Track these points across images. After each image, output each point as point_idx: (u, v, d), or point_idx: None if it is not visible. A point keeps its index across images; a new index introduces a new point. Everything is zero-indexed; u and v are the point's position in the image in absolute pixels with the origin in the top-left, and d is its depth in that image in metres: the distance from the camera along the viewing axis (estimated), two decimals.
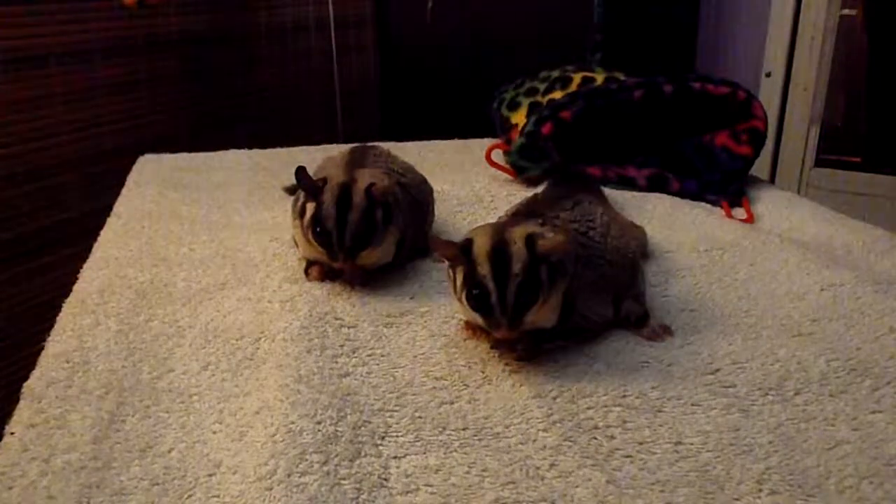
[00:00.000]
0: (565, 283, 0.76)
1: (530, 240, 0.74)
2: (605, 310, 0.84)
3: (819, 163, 2.24)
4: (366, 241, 0.90)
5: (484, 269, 0.73)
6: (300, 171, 0.91)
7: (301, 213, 0.93)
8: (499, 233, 0.75)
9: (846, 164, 2.23)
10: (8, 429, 0.69)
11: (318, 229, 0.90)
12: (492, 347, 0.80)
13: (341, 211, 0.89)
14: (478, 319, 0.76)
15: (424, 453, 0.65)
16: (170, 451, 0.66)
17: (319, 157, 1.13)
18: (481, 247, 0.74)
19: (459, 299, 0.76)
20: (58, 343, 0.83)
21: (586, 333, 0.82)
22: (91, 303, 0.92)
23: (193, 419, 0.71)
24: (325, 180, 0.92)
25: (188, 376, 0.78)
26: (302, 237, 0.94)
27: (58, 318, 0.89)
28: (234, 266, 1.03)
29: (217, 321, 0.88)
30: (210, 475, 0.63)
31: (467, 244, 0.76)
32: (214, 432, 0.69)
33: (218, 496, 0.61)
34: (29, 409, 0.72)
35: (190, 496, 0.61)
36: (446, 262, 0.79)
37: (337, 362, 0.79)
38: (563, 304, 0.77)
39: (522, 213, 0.86)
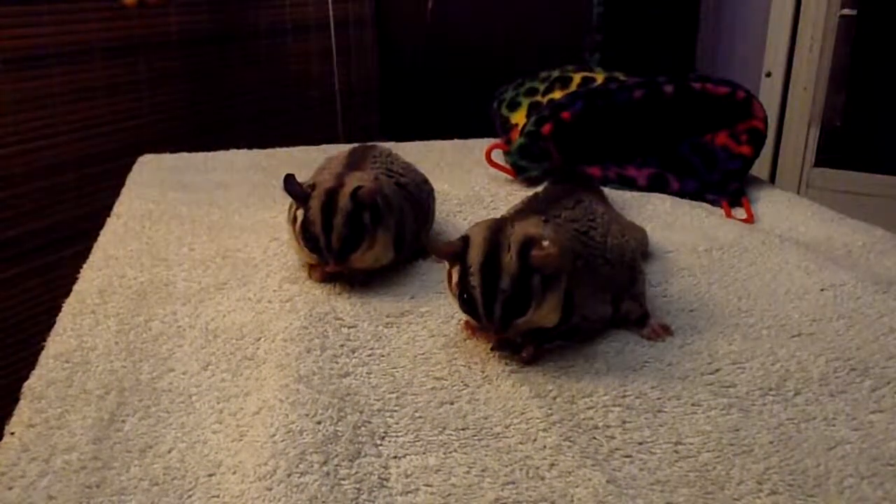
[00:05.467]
0: (562, 285, 0.76)
1: (525, 248, 0.74)
2: (605, 309, 0.84)
3: (819, 163, 2.24)
4: (354, 243, 0.91)
5: (475, 279, 0.74)
6: (288, 179, 0.92)
7: (294, 220, 0.93)
8: (495, 235, 0.75)
9: (846, 164, 2.23)
10: (8, 429, 0.69)
11: (306, 235, 0.91)
12: (492, 349, 0.80)
13: (327, 216, 0.89)
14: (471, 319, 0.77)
15: (424, 453, 0.65)
16: (170, 451, 0.66)
17: (320, 157, 1.13)
18: (474, 254, 0.75)
19: (455, 298, 0.77)
20: (58, 343, 0.83)
21: (586, 333, 0.82)
22: (91, 303, 0.92)
23: (193, 419, 0.71)
24: (313, 186, 0.92)
25: (188, 376, 0.78)
26: (295, 243, 0.95)
27: (58, 318, 0.89)
28: (234, 266, 1.03)
29: (217, 321, 0.88)
30: (210, 475, 0.63)
31: (462, 248, 0.76)
32: (214, 432, 0.69)
33: (218, 496, 0.61)
34: (29, 409, 0.72)
35: (190, 496, 0.61)
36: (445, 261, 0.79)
37: (337, 362, 0.79)
38: (563, 304, 0.77)
39: (524, 211, 0.86)
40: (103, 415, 0.71)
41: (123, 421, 0.70)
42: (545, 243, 0.74)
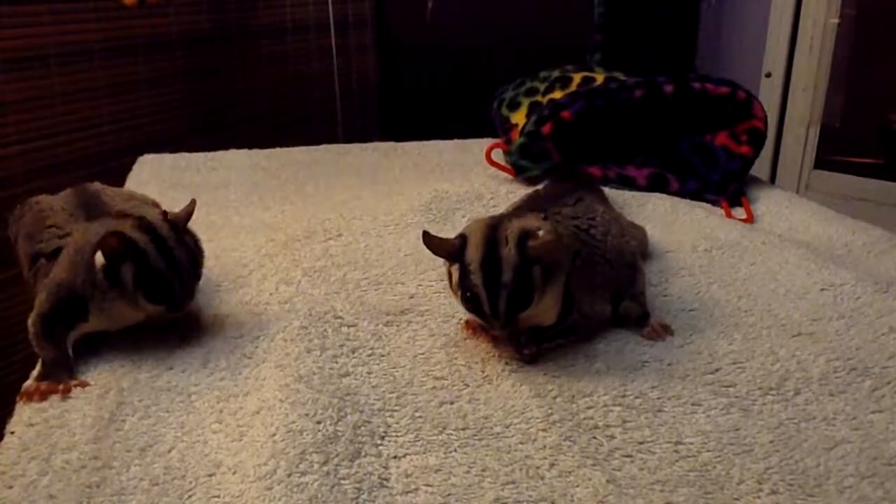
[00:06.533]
0: (562, 278, 0.76)
1: (522, 240, 0.73)
2: (604, 308, 0.84)
3: (819, 164, 2.24)
4: None
5: (476, 277, 0.73)
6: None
7: None
8: (493, 232, 0.75)
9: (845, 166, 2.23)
10: (8, 428, 0.69)
11: None
12: (494, 347, 0.80)
13: None
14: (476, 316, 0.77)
15: (424, 453, 0.65)
16: (170, 451, 0.66)
17: (319, 157, 1.12)
18: (473, 252, 0.74)
19: (457, 297, 0.77)
20: None
21: (584, 332, 0.82)
22: None
23: (193, 419, 0.71)
24: None
25: (187, 374, 0.78)
26: None
27: None
28: (233, 266, 1.03)
29: (216, 320, 0.88)
30: (210, 475, 0.63)
31: (461, 246, 0.75)
32: (214, 432, 0.69)
33: (218, 496, 0.61)
34: (29, 409, 0.72)
35: (190, 496, 0.61)
36: (442, 259, 0.79)
37: (337, 362, 0.78)
38: (562, 302, 0.77)
39: (523, 208, 0.86)
40: (103, 414, 0.71)
41: (123, 420, 0.70)
42: (541, 233, 0.74)
